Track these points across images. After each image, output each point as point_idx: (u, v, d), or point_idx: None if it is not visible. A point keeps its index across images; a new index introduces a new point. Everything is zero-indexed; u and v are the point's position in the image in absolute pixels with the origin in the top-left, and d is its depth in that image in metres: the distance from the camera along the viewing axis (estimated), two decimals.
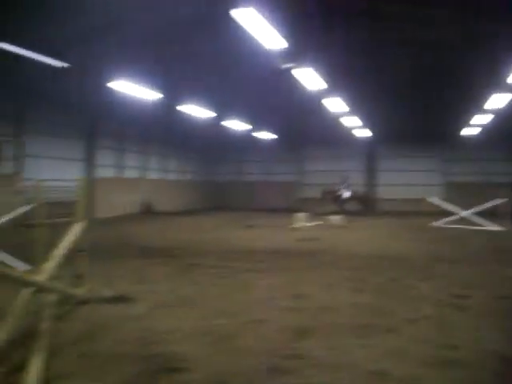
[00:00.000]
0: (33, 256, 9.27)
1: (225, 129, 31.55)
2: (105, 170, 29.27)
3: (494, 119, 25.98)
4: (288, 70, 16.08)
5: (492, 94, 19.57)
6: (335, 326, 6.21)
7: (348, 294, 8.18)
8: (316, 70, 16.22)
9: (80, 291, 7.21)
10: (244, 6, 10.39)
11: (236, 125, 30.46)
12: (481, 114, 24.55)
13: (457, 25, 12.74)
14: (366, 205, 33.61)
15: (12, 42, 13.74)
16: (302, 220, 21.58)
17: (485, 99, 20.85)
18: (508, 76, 15.71)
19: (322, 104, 22.56)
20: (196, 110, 24.47)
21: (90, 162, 27.96)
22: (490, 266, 11.14)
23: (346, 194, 32.45)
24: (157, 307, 7.10)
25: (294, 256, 12.67)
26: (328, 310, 7.04)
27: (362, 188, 37.06)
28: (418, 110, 25.45)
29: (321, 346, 5.45)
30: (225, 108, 25.59)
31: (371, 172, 38.05)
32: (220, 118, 27.52)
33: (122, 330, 5.98)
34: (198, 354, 5.18)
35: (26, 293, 5.49)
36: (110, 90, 19.26)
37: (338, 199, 32.61)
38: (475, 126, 28.99)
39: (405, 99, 22.86)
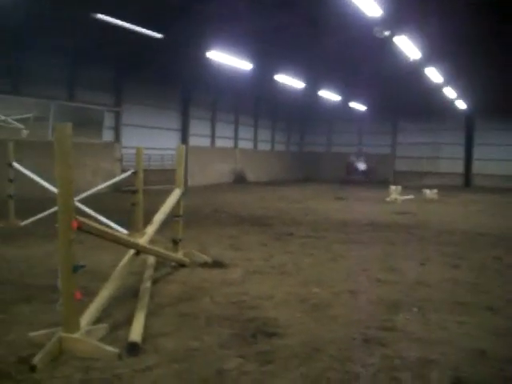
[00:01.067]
0: (131, 220, 9.77)
1: (316, 99, 31.23)
2: (198, 139, 29.90)
3: None
4: (383, 39, 15.62)
5: None
6: (430, 302, 6.09)
7: (444, 269, 7.99)
8: (411, 39, 15.68)
9: (177, 255, 7.48)
10: None
11: (328, 95, 30.08)
12: None
13: None
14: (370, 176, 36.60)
15: (111, 14, 14.22)
16: (394, 193, 21.16)
17: None
18: None
19: (416, 74, 21.79)
20: (289, 80, 24.38)
21: (184, 131, 28.67)
22: None
23: (362, 166, 37.34)
24: (251, 273, 7.27)
25: (387, 229, 12.51)
26: (422, 284, 6.92)
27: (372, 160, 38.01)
28: None
29: (415, 320, 5.38)
30: (318, 78, 25.31)
31: (467, 146, 36.39)
32: (312, 88, 27.26)
33: (218, 293, 6.17)
34: (292, 320, 5.26)
35: (128, 254, 5.76)
36: (205, 61, 19.54)
37: (355, 171, 37.34)
38: None
39: (507, 69, 21.61)
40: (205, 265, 7.59)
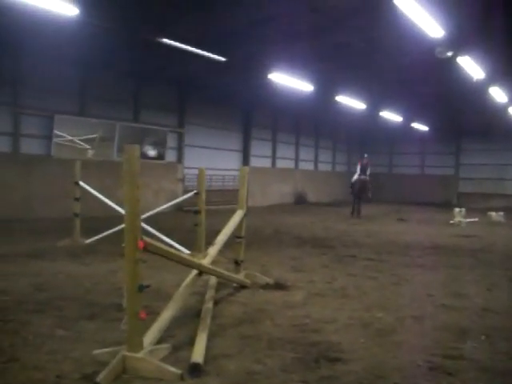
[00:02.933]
0: (193, 240, 9.88)
1: (377, 120, 30.90)
2: (259, 160, 30.08)
3: None
4: (445, 59, 15.37)
5: None
6: (498, 329, 5.85)
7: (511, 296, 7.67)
8: (474, 59, 15.37)
9: (239, 276, 7.49)
10: None
11: (389, 116, 29.72)
12: None
13: None
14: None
15: (176, 39, 14.59)
16: (458, 215, 20.58)
17: None
18: None
19: (479, 94, 21.27)
20: (349, 102, 24.27)
21: (245, 152, 28.93)
22: None
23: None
24: (313, 296, 7.19)
25: (452, 253, 12.16)
26: (490, 311, 6.66)
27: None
28: None
29: (483, 349, 5.16)
30: (379, 99, 25.07)
31: None
32: (373, 109, 27.03)
33: (280, 315, 6.13)
34: (355, 345, 5.16)
35: (191, 275, 5.81)
36: (266, 83, 19.71)
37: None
38: None
39: None
40: (266, 286, 7.57)
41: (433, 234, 16.22)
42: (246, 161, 28.64)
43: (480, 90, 20.27)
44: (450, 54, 14.78)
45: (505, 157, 35.45)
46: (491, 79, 18.39)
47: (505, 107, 24.76)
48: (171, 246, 9.50)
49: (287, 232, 15.56)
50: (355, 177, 22.64)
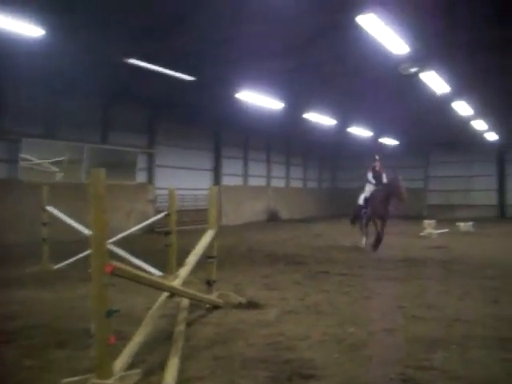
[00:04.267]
0: (165, 262, 9.80)
1: (348, 136, 31.24)
2: (231, 178, 30.14)
3: None
4: (411, 75, 15.68)
5: None
6: (469, 338, 5.90)
7: (482, 304, 7.77)
8: (440, 74, 15.73)
9: (211, 297, 7.45)
10: (367, 12, 10.30)
11: (359, 131, 30.09)
12: None
13: None
14: None
15: (144, 59, 14.59)
16: (428, 227, 20.85)
17: None
18: None
19: (446, 108, 21.70)
20: (319, 118, 24.49)
21: (216, 171, 28.95)
22: None
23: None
24: (286, 314, 7.18)
25: (423, 264, 12.33)
26: (461, 320, 6.73)
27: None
28: None
29: (455, 359, 5.20)
30: (348, 115, 25.38)
31: (500, 177, 35.99)
32: (343, 125, 27.33)
33: (253, 335, 6.10)
34: (329, 361, 5.15)
35: (161, 297, 5.76)
36: (236, 101, 19.82)
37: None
38: None
39: None
40: (239, 306, 7.53)
41: (404, 246, 16.38)
42: (217, 180, 28.67)
43: (446, 103, 20.69)
44: (414, 69, 15.10)
45: (471, 168, 36.28)
46: (457, 93, 18.78)
47: (470, 120, 25.27)
48: (142, 268, 9.42)
49: (260, 250, 15.55)
50: (368, 189, 16.18)
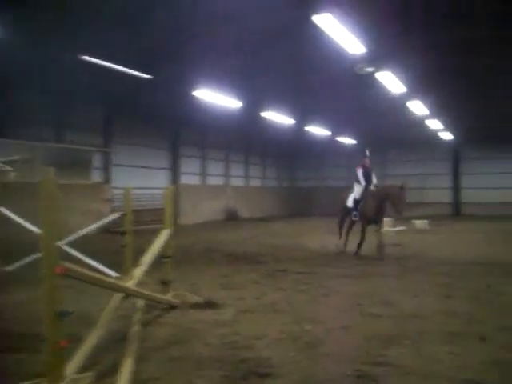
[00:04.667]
0: (121, 262, 9.64)
1: (306, 134, 31.44)
2: (189, 177, 29.98)
3: None
4: (368, 75, 15.88)
5: None
6: (423, 334, 6.03)
7: (436, 300, 7.94)
8: (396, 74, 15.96)
9: (167, 297, 7.37)
10: (325, 12, 10.37)
11: (317, 130, 30.31)
12: None
13: None
14: None
15: (101, 57, 14.35)
16: (386, 225, 21.12)
17: None
18: None
19: (402, 108, 22.07)
20: (277, 117, 24.57)
21: (174, 170, 28.75)
22: None
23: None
24: (243, 313, 7.16)
25: (380, 262, 12.46)
26: (415, 317, 6.85)
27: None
28: (505, 110, 24.25)
29: (409, 354, 5.31)
30: (305, 114, 25.54)
31: (455, 175, 36.87)
32: (301, 124, 27.48)
33: (209, 334, 6.06)
34: (285, 359, 5.17)
35: (115, 298, 5.66)
36: (194, 100, 19.70)
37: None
38: None
39: (491, 99, 21.89)
40: (196, 306, 7.46)
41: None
42: (175, 178, 28.46)
43: (402, 103, 21.03)
44: (370, 69, 15.28)
45: (427, 167, 37.03)
46: (412, 93, 19.10)
47: (426, 119, 25.75)
48: (97, 269, 9.26)
49: (218, 249, 15.49)
50: (358, 190, 14.34)
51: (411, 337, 5.88)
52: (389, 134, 33.09)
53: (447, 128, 29.53)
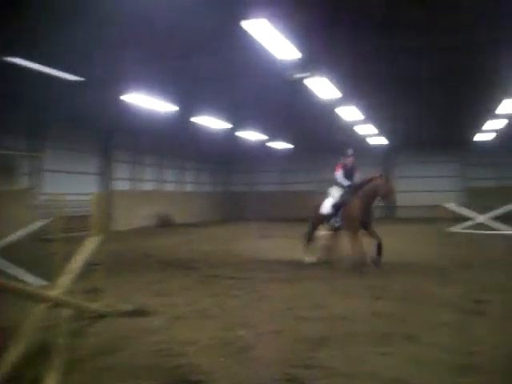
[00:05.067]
0: (49, 271, 9.35)
1: (240, 140, 31.50)
2: (121, 183, 29.50)
3: (508, 124, 25.77)
4: (302, 80, 16.05)
5: (503, 99, 19.76)
6: (352, 335, 6.17)
7: (366, 302, 8.13)
8: (330, 80, 16.19)
9: (96, 305, 7.20)
10: (256, 18, 10.42)
11: (251, 135, 30.39)
12: (493, 119, 24.51)
13: (472, 30, 12.65)
14: None
15: (25, 57, 13.89)
16: (320, 229, 21.40)
17: (497, 104, 20.96)
18: None
19: (337, 113, 22.47)
20: (211, 122, 24.49)
21: (106, 175, 28.19)
22: (509, 269, 11.02)
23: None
24: (175, 319, 7.10)
25: (313, 265, 12.58)
26: (345, 318, 7.01)
27: None
28: (435, 115, 25.16)
29: (338, 356, 5.42)
30: (240, 119, 25.56)
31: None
32: (235, 128, 27.50)
33: (139, 343, 5.98)
34: (216, 365, 5.17)
35: (41, 308, 5.48)
36: (125, 104, 19.37)
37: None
38: (490, 131, 28.87)
39: (422, 105, 22.62)
40: (127, 314, 7.33)
41: (295, 248, 16.60)
42: (107, 184, 27.93)
43: (335, 108, 21.37)
44: (304, 75, 15.45)
45: (361, 171, 37.78)
46: (346, 99, 19.45)
47: (359, 124, 26.21)
48: (21, 279, 8.98)
49: (151, 255, 15.29)
50: (337, 193, 12.63)
51: (340, 339, 6.00)
52: (323, 138, 33.56)
53: (381, 133, 30.24)
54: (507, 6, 10.76)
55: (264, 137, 31.38)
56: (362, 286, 9.47)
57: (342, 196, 12.35)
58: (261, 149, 35.96)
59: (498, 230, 20.28)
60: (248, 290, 9.42)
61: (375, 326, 6.55)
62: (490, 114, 23.17)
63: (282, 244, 18.13)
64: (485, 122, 25.70)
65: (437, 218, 28.24)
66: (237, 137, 30.21)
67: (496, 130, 28.46)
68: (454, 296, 8.40)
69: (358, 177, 12.87)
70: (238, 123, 26.32)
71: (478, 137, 31.18)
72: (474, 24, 12.11)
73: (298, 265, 12.73)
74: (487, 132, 29.24)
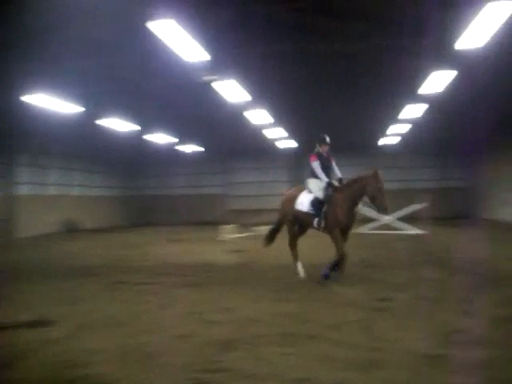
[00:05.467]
0: None
1: (149, 142, 31.02)
2: (25, 187, 28.26)
3: (411, 128, 27.04)
4: (211, 83, 16.01)
5: (406, 104, 20.72)
6: (260, 337, 6.26)
7: (274, 304, 8.24)
8: (240, 82, 16.23)
9: None
10: (163, 18, 10.29)
11: (161, 138, 29.96)
12: (397, 123, 25.64)
13: (373, 38, 13.15)
14: None
15: None
16: (230, 232, 21.56)
17: (400, 110, 21.97)
18: (419, 87, 16.99)
19: (245, 116, 22.59)
20: (119, 124, 23.93)
21: (7, 179, 26.91)
22: (412, 268, 11.55)
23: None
24: (81, 328, 6.91)
25: (221, 269, 12.62)
26: (253, 321, 7.08)
27: None
28: (343, 119, 25.90)
29: (245, 358, 5.49)
30: (148, 121, 25.18)
31: (298, 183, 38.61)
32: (144, 131, 27.05)
33: (41, 354, 5.77)
34: (124, 373, 5.09)
35: None
36: (26, 105, 18.56)
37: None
38: (394, 135, 30.21)
39: (330, 110, 23.24)
40: (28, 324, 7.04)
41: (204, 252, 16.66)
42: (9, 189, 26.69)
43: (245, 111, 21.47)
44: (214, 77, 15.42)
45: (271, 174, 38.53)
46: (256, 102, 19.56)
47: (268, 127, 26.46)
48: None
49: (55, 262, 14.78)
50: (317, 187, 10.52)
51: (248, 341, 6.07)
52: (232, 142, 33.74)
53: (291, 136, 30.69)
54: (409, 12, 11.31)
55: (174, 139, 31.05)
56: (270, 290, 9.56)
57: (325, 192, 10.34)
58: (171, 152, 35.64)
59: (402, 230, 21.21)
60: (157, 295, 9.31)
61: (282, 327, 6.67)
62: (394, 119, 24.20)
63: (191, 248, 18.08)
64: (389, 126, 26.84)
65: None
66: (146, 140, 29.75)
67: (400, 135, 29.76)
68: (358, 295, 8.69)
69: (336, 168, 10.95)
70: (147, 126, 25.91)
71: (384, 141, 32.49)
72: (378, 31, 12.65)
73: (208, 268, 12.72)
74: (392, 136, 30.51)
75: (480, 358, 5.30)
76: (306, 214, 10.55)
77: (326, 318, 7.15)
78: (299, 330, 6.52)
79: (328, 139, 10.87)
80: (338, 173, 10.84)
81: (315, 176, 10.61)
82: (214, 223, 31.93)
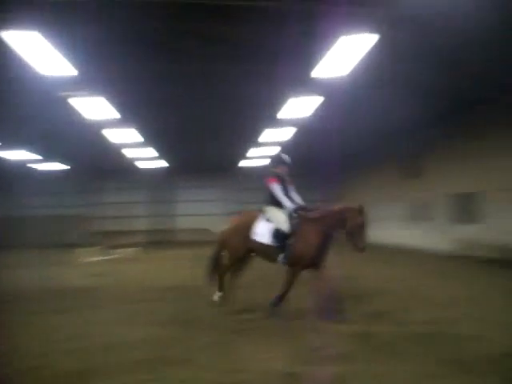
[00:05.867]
0: None
1: (10, 160, 28.79)
2: None
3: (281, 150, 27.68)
4: (75, 99, 15.30)
5: (265, 128, 21.26)
6: (124, 364, 6.04)
7: (138, 328, 7.97)
8: (109, 100, 15.60)
9: None
10: (25, 30, 9.72)
11: (19, 155, 27.92)
12: (259, 146, 26.16)
13: (232, 62, 13.44)
14: None
15: None
16: (92, 254, 20.75)
17: (260, 133, 22.46)
18: (278, 112, 17.64)
19: (111, 135, 21.83)
20: None
21: None
22: (268, 287, 11.55)
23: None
24: None
25: (79, 293, 11.97)
26: (116, 347, 6.81)
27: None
28: (206, 141, 26.04)
29: None
30: (5, 138, 23.45)
31: (164, 203, 38.34)
32: (5, 148, 25.13)
33: None
34: None
35: None
36: None
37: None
38: (255, 157, 30.60)
39: (194, 131, 23.25)
40: None
41: (61, 276, 15.61)
42: None
43: (114, 129, 20.68)
44: (79, 93, 14.76)
45: (134, 195, 37.79)
46: (126, 120, 18.95)
47: (139, 147, 25.67)
48: None
49: None
50: (279, 216, 8.96)
51: (110, 369, 5.86)
52: (101, 162, 32.66)
53: (162, 156, 30.16)
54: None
55: (37, 157, 29.05)
56: (132, 313, 9.27)
57: (292, 222, 8.82)
58: (31, 170, 33.46)
59: None
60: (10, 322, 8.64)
61: (144, 352, 6.48)
62: (254, 142, 24.76)
63: (51, 271, 17.01)
64: (249, 149, 27.32)
65: (208, 241, 29.16)
66: (7, 157, 27.66)
67: (260, 157, 30.35)
68: (221, 316, 8.67)
69: (295, 192, 9.48)
70: (4, 142, 24.15)
71: (244, 163, 33.06)
72: (242, 56, 12.99)
73: (66, 293, 12.00)
74: (252, 159, 31.09)
75: (338, 372, 5.54)
76: (268, 246, 8.90)
77: (189, 341, 7.05)
78: (167, 354, 6.40)
79: (288, 159, 9.43)
80: (298, 199, 9.34)
81: (275, 202, 9.10)
82: (76, 245, 30.47)
